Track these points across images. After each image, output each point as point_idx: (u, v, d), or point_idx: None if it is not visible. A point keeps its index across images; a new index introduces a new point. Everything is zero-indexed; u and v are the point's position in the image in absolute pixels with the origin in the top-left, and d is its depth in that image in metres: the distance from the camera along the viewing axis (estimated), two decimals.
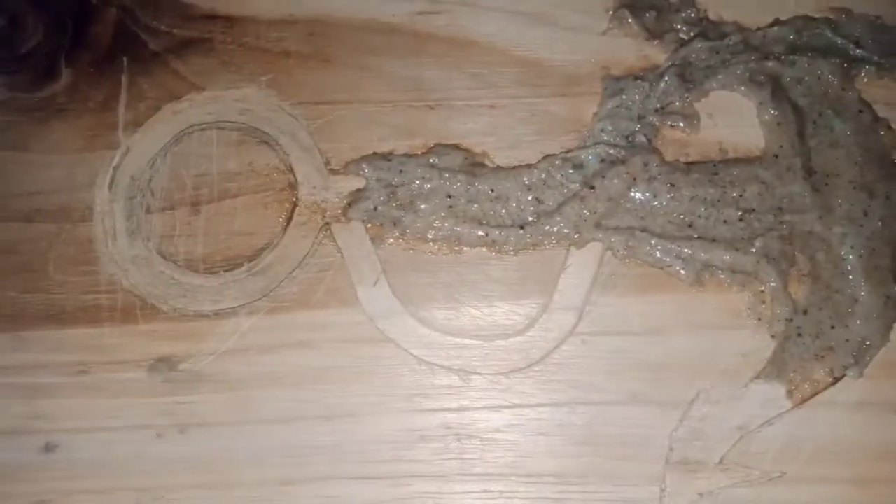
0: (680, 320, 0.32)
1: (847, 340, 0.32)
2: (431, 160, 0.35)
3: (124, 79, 0.37)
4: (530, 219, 0.34)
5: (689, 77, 0.35)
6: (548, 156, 0.34)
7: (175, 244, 0.34)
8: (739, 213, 0.33)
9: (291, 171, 0.35)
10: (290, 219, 0.34)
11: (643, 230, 0.33)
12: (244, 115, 0.36)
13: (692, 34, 0.36)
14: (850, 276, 0.32)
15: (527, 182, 0.34)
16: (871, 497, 0.31)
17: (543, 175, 0.34)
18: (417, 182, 0.34)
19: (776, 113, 0.35)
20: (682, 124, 0.35)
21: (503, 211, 0.34)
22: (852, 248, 0.33)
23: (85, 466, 0.32)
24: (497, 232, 0.34)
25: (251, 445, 0.32)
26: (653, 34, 0.36)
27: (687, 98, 0.35)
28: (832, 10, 0.36)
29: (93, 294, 0.34)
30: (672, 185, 0.33)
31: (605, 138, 0.34)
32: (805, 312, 0.32)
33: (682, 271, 0.33)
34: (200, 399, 0.32)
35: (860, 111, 0.35)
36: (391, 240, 0.34)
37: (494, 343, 0.33)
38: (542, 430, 0.32)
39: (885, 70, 0.35)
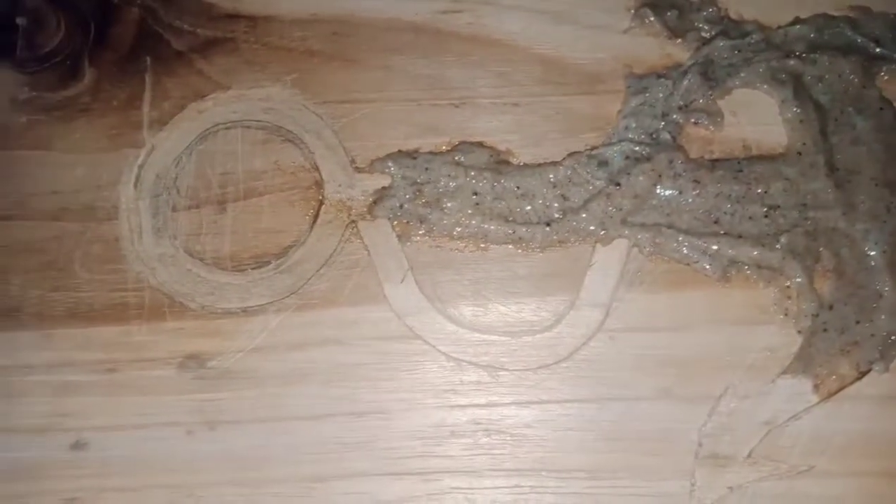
0: (707, 316, 0.33)
1: (872, 335, 0.32)
2: (457, 158, 0.35)
3: (148, 78, 0.37)
4: (556, 216, 0.34)
5: (711, 75, 0.36)
6: (573, 153, 0.35)
7: (202, 242, 0.34)
8: (764, 209, 0.33)
9: (317, 169, 0.35)
10: (316, 217, 0.35)
11: (669, 226, 0.33)
12: (269, 113, 0.36)
13: (714, 33, 0.36)
14: (874, 272, 0.33)
15: (552, 179, 0.34)
16: None
17: (569, 172, 0.34)
18: (443, 180, 0.34)
19: (798, 111, 0.35)
20: (706, 122, 0.35)
21: (529, 208, 0.34)
22: (876, 244, 0.33)
23: (115, 464, 0.32)
24: (523, 229, 0.34)
25: (282, 442, 0.32)
26: (674, 33, 0.37)
27: (710, 96, 0.35)
28: (852, 9, 0.37)
29: (120, 292, 0.34)
30: (697, 181, 0.34)
31: (630, 136, 0.35)
32: (830, 308, 0.33)
33: (709, 267, 0.33)
34: (230, 396, 0.32)
35: (881, 108, 0.35)
36: (417, 237, 0.34)
37: (522, 339, 0.33)
38: (572, 426, 0.32)
39: None
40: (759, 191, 0.34)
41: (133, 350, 0.33)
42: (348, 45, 0.37)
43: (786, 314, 0.33)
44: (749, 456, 0.31)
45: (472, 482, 0.31)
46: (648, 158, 0.34)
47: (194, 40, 0.37)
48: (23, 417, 0.33)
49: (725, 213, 0.33)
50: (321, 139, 0.36)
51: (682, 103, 0.35)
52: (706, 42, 0.36)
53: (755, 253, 0.33)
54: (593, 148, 0.35)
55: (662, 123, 0.35)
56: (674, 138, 0.35)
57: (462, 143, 0.35)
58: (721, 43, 0.36)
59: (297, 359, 0.33)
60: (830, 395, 0.32)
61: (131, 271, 0.34)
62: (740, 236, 0.33)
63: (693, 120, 0.35)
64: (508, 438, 0.32)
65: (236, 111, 0.36)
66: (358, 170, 0.35)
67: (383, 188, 0.35)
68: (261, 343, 0.33)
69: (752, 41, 0.36)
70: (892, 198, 0.33)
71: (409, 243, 0.34)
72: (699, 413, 0.32)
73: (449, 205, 0.34)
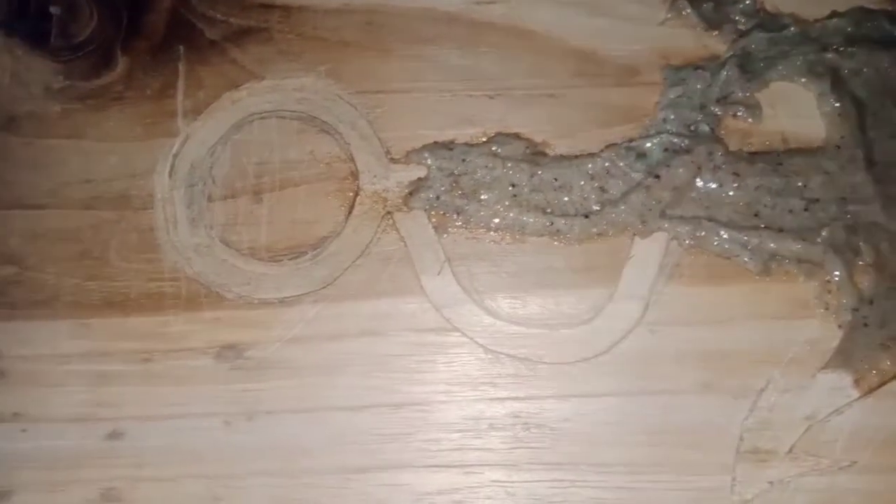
0: (747, 310, 0.32)
1: None
2: (493, 149, 0.35)
3: (181, 67, 0.36)
4: (595, 208, 0.34)
5: (749, 67, 0.35)
6: (610, 145, 0.34)
7: (238, 232, 0.34)
8: (804, 202, 0.33)
9: (352, 159, 0.35)
10: (351, 207, 0.34)
11: (709, 219, 0.33)
12: (303, 103, 0.36)
13: (750, 25, 0.36)
14: None
15: (590, 171, 0.34)
16: None
17: (607, 164, 0.34)
18: (480, 171, 0.34)
19: (837, 104, 0.35)
20: (744, 114, 0.35)
21: (567, 200, 0.34)
22: None
23: (152, 454, 0.32)
24: (562, 221, 0.33)
25: (320, 433, 0.32)
26: (711, 24, 0.36)
27: (748, 88, 0.35)
28: (889, 2, 0.36)
29: (156, 282, 0.34)
30: (737, 174, 0.33)
31: (668, 128, 0.34)
32: (871, 302, 0.32)
33: (749, 261, 0.33)
34: (268, 386, 0.32)
35: None
36: (454, 229, 0.34)
37: (560, 332, 0.33)
38: (611, 420, 0.32)
39: None
40: (799, 184, 0.33)
41: (169, 340, 0.33)
42: (382, 35, 0.37)
43: (826, 308, 0.32)
44: (790, 451, 0.31)
45: (512, 475, 0.31)
46: (688, 150, 0.34)
47: (227, 29, 0.37)
48: (59, 407, 0.33)
49: (765, 206, 0.33)
50: (356, 129, 0.35)
51: (720, 95, 0.35)
52: (743, 34, 0.36)
53: (796, 247, 0.32)
54: (631, 140, 0.34)
55: (701, 115, 0.35)
56: (712, 130, 0.34)
57: (498, 134, 0.35)
58: (758, 35, 0.36)
59: (334, 349, 0.33)
60: (871, 390, 0.31)
61: (167, 261, 0.34)
62: (781, 230, 0.33)
63: (732, 112, 0.35)
64: (548, 432, 0.32)
65: (271, 101, 0.36)
66: (393, 161, 0.35)
67: (419, 179, 0.35)
68: (298, 333, 0.33)
69: (790, 34, 0.36)
70: None
71: (445, 235, 0.34)
72: (740, 407, 0.31)
73: (486, 196, 0.34)
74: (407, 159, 0.35)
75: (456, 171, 0.35)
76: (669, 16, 0.37)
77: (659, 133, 0.34)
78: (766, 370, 0.32)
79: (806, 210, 0.33)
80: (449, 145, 0.35)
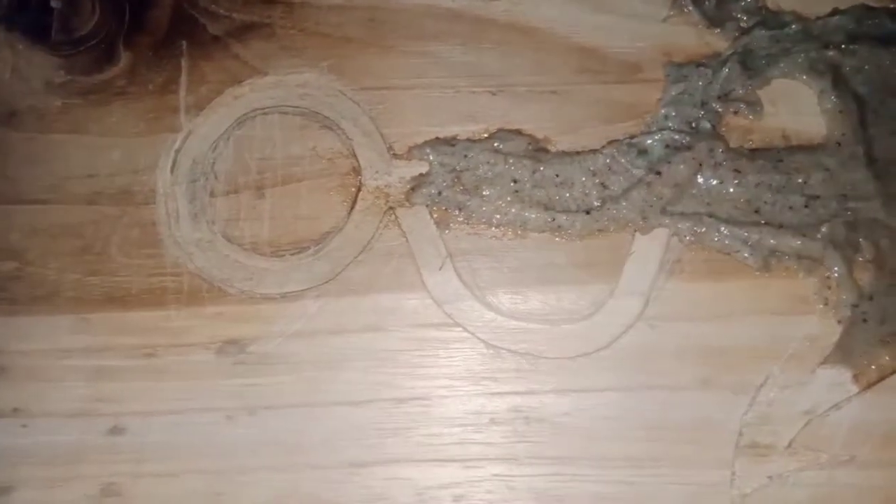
0: (747, 306, 0.32)
1: None
2: (496, 145, 0.35)
3: (184, 62, 0.36)
4: (596, 204, 0.34)
5: (751, 65, 0.35)
6: (612, 141, 0.35)
7: (241, 228, 0.34)
8: (805, 199, 0.33)
9: (354, 155, 0.35)
10: (354, 203, 0.34)
11: (710, 216, 0.33)
12: (305, 99, 0.36)
13: (752, 22, 0.36)
14: None
15: (592, 167, 0.34)
16: None
17: (608, 160, 0.34)
18: (482, 167, 0.34)
19: (837, 101, 0.35)
20: (745, 111, 0.35)
21: (568, 196, 0.34)
22: None
23: (153, 449, 0.32)
24: (563, 217, 0.34)
25: (322, 428, 0.32)
26: (713, 22, 0.36)
27: (749, 85, 0.35)
28: (892, 0, 0.36)
29: (158, 277, 0.34)
30: (738, 171, 0.34)
31: (670, 124, 0.35)
32: (870, 298, 0.32)
33: (749, 257, 0.33)
34: (270, 381, 0.32)
35: None
36: (455, 224, 0.34)
37: (561, 327, 0.33)
38: (611, 415, 0.32)
39: None
40: (800, 181, 0.34)
41: (171, 335, 0.33)
42: (385, 31, 0.37)
43: (826, 304, 0.32)
44: (789, 446, 0.31)
45: (513, 469, 0.31)
46: (689, 147, 0.34)
47: (230, 25, 0.37)
48: (60, 402, 0.33)
49: (766, 202, 0.33)
50: (358, 126, 0.35)
51: (721, 92, 0.35)
52: (745, 32, 0.36)
53: (796, 243, 0.33)
54: (633, 136, 0.35)
55: (702, 112, 0.35)
56: (713, 127, 0.34)
57: (500, 130, 0.35)
58: (760, 33, 0.36)
59: (336, 344, 0.33)
60: (870, 385, 0.32)
61: (169, 256, 0.34)
62: (781, 226, 0.33)
63: (733, 109, 0.35)
64: (548, 426, 0.32)
65: (273, 97, 0.36)
66: (395, 156, 0.35)
67: (421, 175, 0.35)
68: (300, 328, 0.33)
69: (791, 31, 0.36)
70: None
71: (447, 230, 0.34)
72: (739, 403, 0.31)
73: (487, 192, 0.34)
74: (409, 155, 0.35)
75: (458, 167, 0.35)
76: (672, 13, 0.37)
77: (660, 130, 0.34)
78: (765, 366, 0.32)
79: (806, 207, 0.33)
80: (451, 141, 0.35)
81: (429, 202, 0.34)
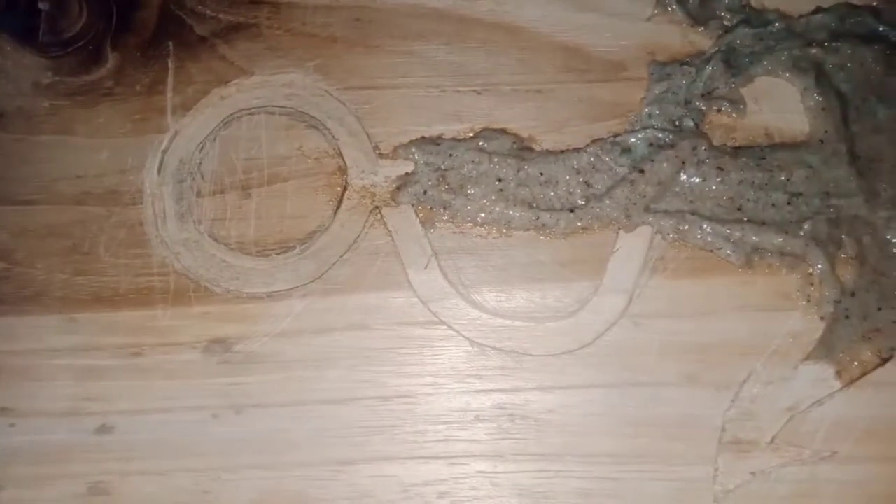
0: (730, 302, 0.33)
1: (894, 322, 0.32)
2: (480, 144, 0.35)
3: (171, 63, 0.37)
4: (580, 202, 0.34)
5: (734, 63, 0.36)
6: (596, 140, 0.35)
7: (227, 227, 0.34)
8: (787, 196, 0.34)
9: (340, 155, 0.35)
10: (340, 203, 0.35)
11: (693, 213, 0.33)
12: (291, 99, 0.36)
13: (735, 21, 0.37)
14: None
15: (576, 166, 0.34)
16: None
17: (592, 159, 0.34)
18: (467, 166, 0.35)
19: (820, 99, 0.35)
20: (728, 109, 0.35)
21: (552, 194, 0.34)
22: None
23: (141, 448, 0.32)
24: (547, 215, 0.34)
25: (308, 426, 0.32)
26: (697, 20, 0.37)
27: (732, 83, 0.35)
28: None
29: (145, 276, 0.34)
30: (721, 168, 0.34)
31: (653, 123, 0.35)
32: (853, 294, 0.33)
33: (732, 254, 0.33)
34: (256, 380, 0.32)
35: None
36: (441, 223, 0.34)
37: (545, 325, 0.33)
38: (596, 411, 0.32)
39: None
40: (782, 178, 0.34)
41: (158, 334, 0.33)
42: (371, 31, 0.37)
43: (808, 301, 0.33)
44: (772, 441, 0.31)
45: (497, 466, 0.32)
46: (672, 145, 0.34)
47: (217, 25, 0.37)
48: (48, 401, 0.33)
49: (749, 200, 0.34)
50: (344, 125, 0.36)
51: (704, 91, 0.35)
52: (728, 30, 0.36)
53: (778, 240, 0.33)
54: (616, 135, 0.35)
55: (685, 110, 0.35)
56: (697, 125, 0.35)
57: (485, 129, 0.35)
58: (743, 31, 0.36)
59: (322, 343, 0.33)
60: (853, 381, 0.32)
61: (156, 256, 0.34)
62: (763, 223, 0.33)
63: (716, 107, 0.35)
64: (533, 423, 0.32)
65: (259, 97, 0.36)
66: (381, 156, 0.35)
67: (407, 174, 0.35)
68: (286, 327, 0.33)
69: (774, 30, 0.36)
70: None
71: (432, 229, 0.34)
72: (723, 399, 0.32)
73: (472, 191, 0.34)
74: (395, 154, 0.35)
75: (443, 166, 0.35)
76: (656, 12, 0.37)
77: (644, 128, 0.35)
78: (748, 362, 0.32)
79: (789, 204, 0.34)
80: (436, 140, 0.35)
81: (414, 201, 0.35)
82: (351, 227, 0.34)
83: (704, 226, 0.33)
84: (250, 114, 0.36)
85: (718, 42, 0.36)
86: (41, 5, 0.37)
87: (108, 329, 0.33)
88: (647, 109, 0.35)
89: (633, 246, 0.34)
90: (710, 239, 0.33)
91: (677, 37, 0.37)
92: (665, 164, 0.34)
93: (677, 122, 0.35)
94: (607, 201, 0.34)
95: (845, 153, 0.34)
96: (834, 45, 0.36)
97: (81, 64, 0.37)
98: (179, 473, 0.32)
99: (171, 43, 0.37)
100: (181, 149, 0.36)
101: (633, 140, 0.34)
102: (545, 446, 0.32)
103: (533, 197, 0.34)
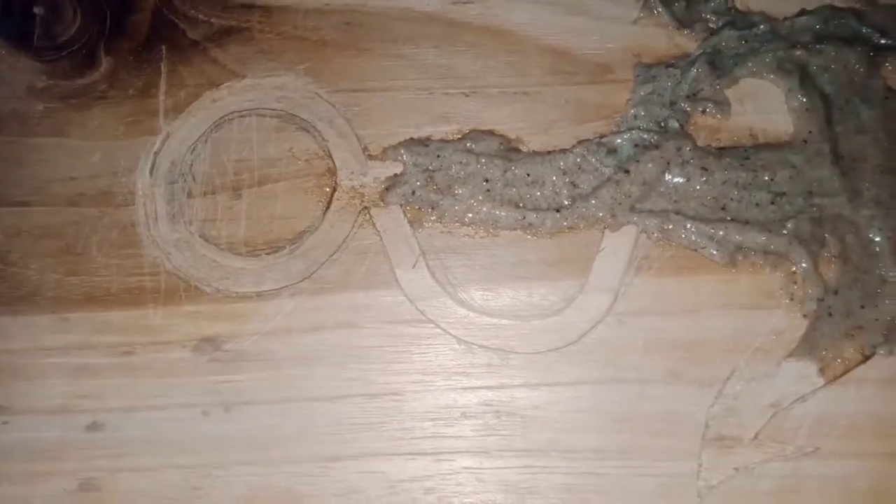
0: (714, 300, 0.33)
1: (876, 319, 0.33)
2: (468, 145, 0.35)
3: (164, 66, 0.37)
4: (566, 202, 0.34)
5: (719, 64, 0.36)
6: (582, 141, 0.35)
7: (217, 228, 0.35)
8: (771, 196, 0.34)
9: (330, 156, 0.36)
10: (329, 203, 0.35)
11: (677, 213, 0.34)
12: (282, 102, 0.37)
13: (721, 23, 0.37)
14: (879, 258, 0.33)
15: (562, 167, 0.35)
16: None
17: (578, 160, 0.35)
18: (455, 167, 0.35)
19: (804, 100, 0.35)
20: (713, 110, 0.35)
21: (539, 194, 0.35)
22: (880, 230, 0.33)
23: (131, 445, 0.32)
24: (534, 215, 0.34)
25: (296, 423, 0.32)
26: (683, 23, 0.37)
27: (717, 85, 0.36)
28: (857, 0, 0.37)
29: (136, 276, 0.34)
30: (705, 169, 0.34)
31: (639, 124, 0.35)
32: (835, 292, 0.33)
33: (716, 253, 0.33)
34: (245, 378, 0.33)
35: (886, 98, 0.35)
36: (429, 223, 0.35)
37: (531, 323, 0.33)
38: (581, 408, 0.32)
39: None
40: (766, 178, 0.34)
41: (149, 333, 0.34)
42: (361, 34, 0.38)
43: (792, 299, 0.33)
44: (755, 437, 0.32)
45: (483, 462, 0.32)
46: (657, 146, 0.34)
47: (209, 29, 0.38)
48: (40, 399, 0.33)
49: (732, 199, 0.34)
50: (334, 127, 0.36)
51: (689, 92, 0.36)
52: (714, 32, 0.37)
53: (762, 239, 0.33)
54: (602, 136, 0.35)
55: (671, 112, 0.35)
56: (682, 126, 0.35)
57: (473, 131, 0.36)
58: (728, 33, 0.37)
59: (311, 341, 0.33)
60: (835, 378, 0.32)
61: (147, 256, 0.35)
62: (747, 222, 0.34)
63: (701, 108, 0.36)
64: (518, 420, 0.32)
65: (250, 99, 0.37)
66: (370, 157, 0.36)
67: (395, 175, 0.35)
68: (276, 326, 0.33)
69: (759, 32, 0.37)
70: None
71: (420, 229, 0.35)
72: (706, 395, 0.32)
73: (460, 191, 0.35)
74: (384, 156, 0.36)
75: (431, 167, 0.35)
76: (642, 15, 0.37)
77: (630, 129, 0.35)
78: (732, 359, 0.32)
79: (772, 203, 0.34)
80: (425, 142, 0.36)
81: (403, 202, 0.35)
82: (340, 227, 0.35)
83: (689, 225, 0.34)
84: (241, 116, 0.36)
85: (704, 44, 0.37)
86: (35, 10, 0.38)
87: (100, 328, 0.34)
88: (632, 111, 0.36)
89: (618, 245, 0.34)
90: (694, 238, 0.34)
91: (663, 39, 0.37)
92: (650, 165, 0.34)
93: (662, 124, 0.35)
94: (593, 201, 0.34)
95: (829, 153, 0.35)
96: (818, 46, 0.36)
97: (75, 67, 0.38)
98: (170, 470, 0.32)
99: (163, 47, 0.38)
100: (173, 151, 0.36)
101: (618, 141, 0.35)
102: (531, 442, 0.32)
103: (520, 197, 0.35)
